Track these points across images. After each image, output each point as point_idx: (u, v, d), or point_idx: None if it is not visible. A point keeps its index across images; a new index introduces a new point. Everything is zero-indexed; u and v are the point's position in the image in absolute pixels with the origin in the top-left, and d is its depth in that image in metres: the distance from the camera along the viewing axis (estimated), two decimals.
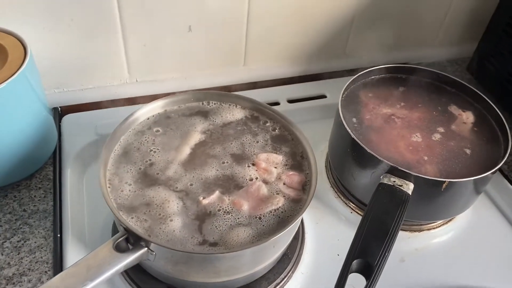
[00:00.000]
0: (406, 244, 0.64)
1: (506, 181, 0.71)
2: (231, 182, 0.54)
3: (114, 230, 0.60)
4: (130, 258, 0.46)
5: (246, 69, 0.83)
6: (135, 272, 0.55)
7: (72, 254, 0.57)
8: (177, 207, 0.51)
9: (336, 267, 0.60)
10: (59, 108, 0.75)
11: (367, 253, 0.45)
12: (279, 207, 0.52)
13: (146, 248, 0.47)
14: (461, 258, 0.63)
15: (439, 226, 0.66)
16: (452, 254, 0.64)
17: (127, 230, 0.48)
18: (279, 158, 0.57)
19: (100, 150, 0.68)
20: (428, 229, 0.65)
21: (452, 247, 0.64)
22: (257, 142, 0.59)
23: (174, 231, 0.49)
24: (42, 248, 0.57)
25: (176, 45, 0.76)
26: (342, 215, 0.66)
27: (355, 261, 0.45)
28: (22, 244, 0.58)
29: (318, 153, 0.75)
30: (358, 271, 0.45)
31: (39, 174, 0.66)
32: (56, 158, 0.68)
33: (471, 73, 0.91)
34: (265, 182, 0.54)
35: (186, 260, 0.48)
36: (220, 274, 0.50)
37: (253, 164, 0.56)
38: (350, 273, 0.44)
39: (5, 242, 0.58)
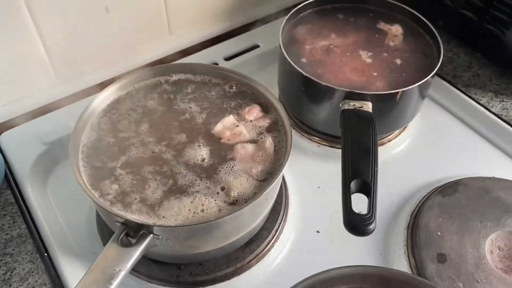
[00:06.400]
0: None
1: (442, 81, 0.77)
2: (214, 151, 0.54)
3: (100, 229, 0.58)
4: (139, 249, 0.45)
5: (173, 38, 0.81)
6: (140, 265, 0.54)
7: (68, 267, 0.55)
8: (163, 186, 0.50)
9: (320, 198, 0.64)
10: None
11: (360, 173, 0.48)
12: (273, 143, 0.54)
13: (151, 235, 0.46)
14: (423, 160, 0.69)
15: (396, 137, 0.71)
16: (414, 158, 0.69)
17: (126, 223, 0.47)
18: (230, 118, 0.57)
19: (53, 157, 0.66)
20: (389, 141, 0.70)
21: (413, 152, 0.70)
22: (219, 105, 0.59)
23: (169, 210, 0.48)
24: (33, 272, 0.54)
25: (97, 31, 0.72)
26: (311, 151, 0.69)
27: (352, 182, 0.47)
28: (10, 275, 0.54)
29: None
30: (358, 191, 0.48)
31: None
32: (10, 180, 0.63)
33: None
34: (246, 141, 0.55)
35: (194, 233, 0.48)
36: (228, 236, 0.51)
37: (220, 138, 0.55)
38: (351, 194, 0.47)
39: None
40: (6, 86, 0.68)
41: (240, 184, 0.50)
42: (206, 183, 0.50)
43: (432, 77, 0.63)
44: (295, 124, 0.72)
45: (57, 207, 0.62)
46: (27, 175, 0.63)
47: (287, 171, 0.66)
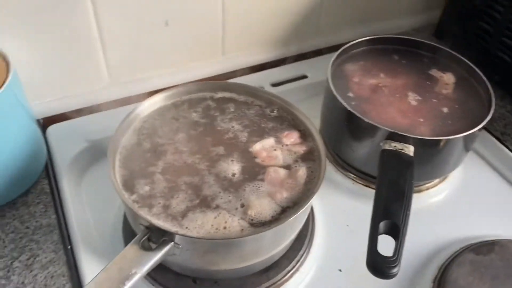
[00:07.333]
0: None
1: (490, 136, 0.75)
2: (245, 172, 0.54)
3: (125, 231, 0.59)
4: (158, 255, 0.45)
5: (225, 59, 0.83)
6: (157, 272, 0.54)
7: (87, 263, 0.55)
8: (193, 199, 0.51)
9: (347, 237, 0.62)
10: (41, 120, 0.72)
11: (391, 214, 0.47)
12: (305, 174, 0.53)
13: (172, 243, 0.46)
14: (460, 213, 0.66)
15: (435, 186, 0.69)
16: (451, 210, 0.66)
17: (149, 227, 0.47)
18: (270, 141, 0.57)
19: (93, 156, 0.68)
20: (427, 189, 0.68)
21: (450, 204, 0.67)
22: (258, 126, 0.59)
23: (193, 221, 0.49)
24: (54, 262, 0.56)
25: (154, 42, 0.75)
26: (345, 187, 0.68)
27: (381, 223, 0.46)
28: (33, 261, 0.56)
29: None
30: (385, 232, 0.46)
31: (35, 189, 0.63)
32: (49, 171, 0.65)
33: (438, 38, 0.95)
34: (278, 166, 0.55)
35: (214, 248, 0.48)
36: (246, 258, 0.50)
37: (255, 157, 0.55)
38: (379, 234, 0.46)
39: (13, 262, 0.55)
40: (61, 81, 0.72)
41: (259, 205, 0.49)
42: (229, 196, 0.50)
43: (480, 130, 0.61)
44: (332, 158, 0.71)
45: (88, 203, 0.63)
46: (65, 169, 0.65)
47: (317, 203, 0.65)
